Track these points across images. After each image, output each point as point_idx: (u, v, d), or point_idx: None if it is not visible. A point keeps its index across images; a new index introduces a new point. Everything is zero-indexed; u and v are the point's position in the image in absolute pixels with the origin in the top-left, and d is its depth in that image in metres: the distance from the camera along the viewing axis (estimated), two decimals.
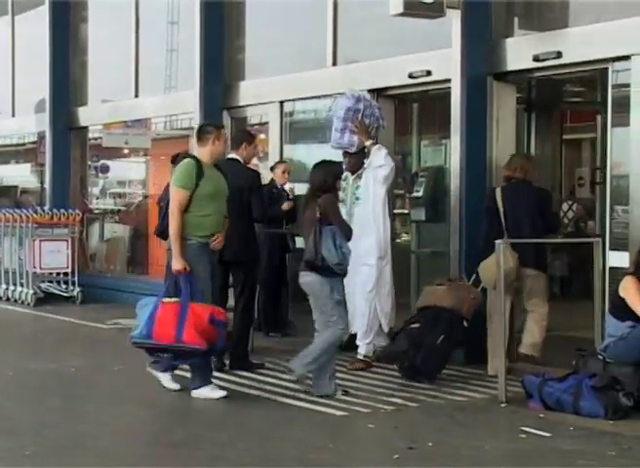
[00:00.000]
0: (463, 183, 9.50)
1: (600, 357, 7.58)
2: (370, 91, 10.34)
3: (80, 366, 9.32)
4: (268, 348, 10.05)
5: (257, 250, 9.21)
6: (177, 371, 8.76)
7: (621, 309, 7.54)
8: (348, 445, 6.62)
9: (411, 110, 11.79)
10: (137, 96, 14.90)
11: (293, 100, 12.21)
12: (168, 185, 9.84)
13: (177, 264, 7.66)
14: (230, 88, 12.88)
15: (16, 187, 18.75)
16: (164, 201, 8.27)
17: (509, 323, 8.65)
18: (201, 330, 7.49)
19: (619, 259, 8.25)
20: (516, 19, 9.87)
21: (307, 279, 7.85)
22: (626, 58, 8.43)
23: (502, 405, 7.57)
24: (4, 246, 14.92)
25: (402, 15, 9.13)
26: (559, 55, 8.93)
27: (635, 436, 6.68)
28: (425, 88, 10.42)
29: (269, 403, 7.74)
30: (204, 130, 8.11)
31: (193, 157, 7.99)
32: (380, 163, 9.06)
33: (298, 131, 12.51)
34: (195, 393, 7.84)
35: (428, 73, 10.04)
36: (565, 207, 12.88)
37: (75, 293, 14.33)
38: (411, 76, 10.19)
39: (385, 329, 9.20)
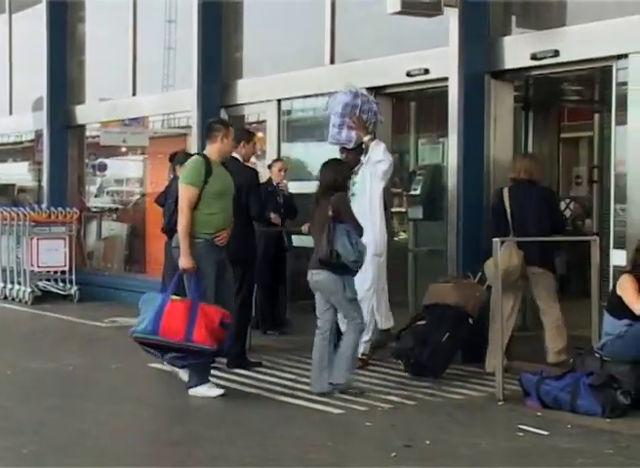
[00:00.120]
0: (461, 182, 9.50)
1: (597, 355, 7.59)
2: (368, 89, 10.32)
3: (78, 364, 9.32)
4: (266, 346, 10.06)
5: (254, 248, 9.21)
6: (173, 369, 8.79)
7: (618, 307, 7.55)
8: (346, 443, 6.62)
9: (408, 108, 11.80)
10: (134, 94, 14.89)
11: (290, 99, 12.21)
12: (168, 185, 9.92)
13: (185, 262, 7.66)
14: (228, 86, 12.88)
15: (13, 185, 18.75)
16: (172, 198, 8.21)
17: (513, 321, 8.69)
18: (211, 330, 7.50)
19: (621, 258, 8.26)
20: (514, 18, 9.88)
21: (319, 277, 7.86)
22: (624, 56, 8.44)
23: (500, 403, 7.59)
24: (1, 244, 14.91)
25: (400, 13, 9.14)
26: (557, 53, 8.94)
27: (633, 434, 6.69)
28: (423, 86, 10.43)
29: (267, 401, 7.75)
30: (213, 127, 8.11)
31: (202, 155, 7.98)
32: (378, 158, 9.03)
33: (295, 129, 12.52)
34: (192, 391, 7.85)
35: (426, 71, 10.05)
36: (562, 205, 12.89)
37: (73, 292, 14.33)
38: (408, 74, 10.20)
39: (383, 326, 9.17)
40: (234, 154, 9.20)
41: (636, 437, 6.64)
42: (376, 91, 10.58)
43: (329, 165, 8.22)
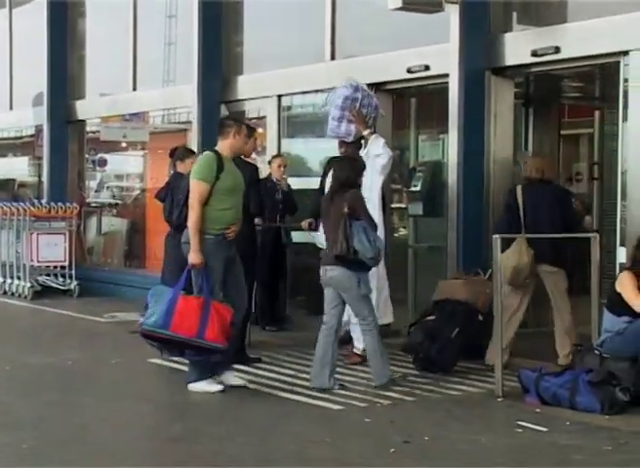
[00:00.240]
0: (461, 178, 9.52)
1: (597, 352, 7.59)
2: (368, 85, 10.32)
3: (78, 359, 9.33)
4: (265, 342, 10.06)
5: (255, 243, 9.21)
6: (174, 365, 8.80)
7: (618, 304, 7.55)
8: (345, 439, 6.63)
9: (409, 105, 11.79)
10: (135, 89, 14.90)
11: (291, 95, 12.21)
12: (169, 180, 9.91)
13: (194, 258, 7.64)
14: (228, 82, 12.88)
15: (13, 180, 18.75)
16: (182, 193, 8.18)
17: (519, 318, 8.69)
18: (223, 329, 7.52)
19: None
20: (514, 14, 9.89)
21: (334, 273, 7.89)
22: (625, 53, 8.44)
23: (499, 399, 7.59)
24: (1, 239, 14.91)
25: (400, 9, 9.14)
26: (557, 50, 8.95)
27: (631, 431, 6.70)
28: (424, 82, 10.43)
29: (267, 397, 7.75)
30: (225, 124, 8.11)
31: (214, 150, 7.97)
32: (377, 152, 8.99)
33: (295, 125, 12.52)
34: (192, 386, 7.85)
35: (427, 68, 10.06)
36: None
37: (72, 287, 14.34)
38: (409, 71, 10.21)
39: (383, 321, 9.12)
40: None
41: (635, 433, 6.64)
42: (376, 87, 10.57)
43: (342, 162, 8.24)
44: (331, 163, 9.42)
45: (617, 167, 8.86)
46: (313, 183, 10.22)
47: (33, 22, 16.51)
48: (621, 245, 8.57)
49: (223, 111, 12.89)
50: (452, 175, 9.62)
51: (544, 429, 6.71)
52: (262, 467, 6.00)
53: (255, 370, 8.63)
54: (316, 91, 11.56)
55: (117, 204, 16.40)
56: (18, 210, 14.51)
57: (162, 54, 14.51)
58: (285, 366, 8.85)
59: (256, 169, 9.40)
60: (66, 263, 14.40)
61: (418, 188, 10.70)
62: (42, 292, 14.19)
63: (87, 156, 16.49)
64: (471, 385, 8.13)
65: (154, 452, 6.34)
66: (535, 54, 9.12)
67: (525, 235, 8.53)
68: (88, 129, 16.35)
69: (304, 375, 8.31)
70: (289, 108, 12.40)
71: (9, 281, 14.60)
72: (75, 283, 14.34)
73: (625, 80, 8.63)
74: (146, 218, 15.01)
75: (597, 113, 12.40)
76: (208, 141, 12.57)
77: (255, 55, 12.87)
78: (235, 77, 12.85)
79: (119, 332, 11.03)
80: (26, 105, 17.29)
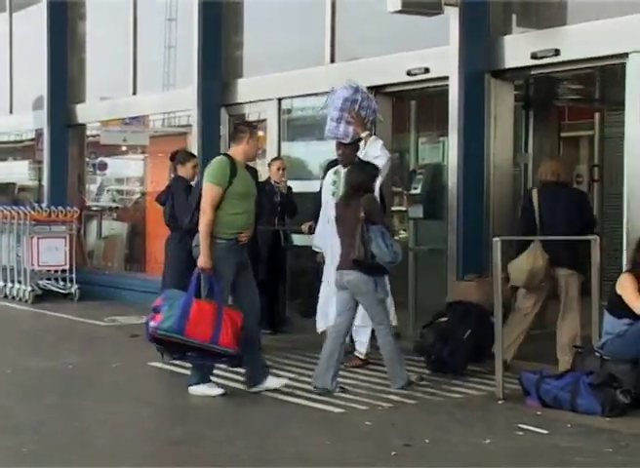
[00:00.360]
0: (461, 180, 9.52)
1: (597, 354, 7.58)
2: (368, 88, 10.31)
3: (78, 363, 9.33)
4: (265, 345, 10.00)
5: (255, 246, 9.20)
6: (175, 368, 8.80)
7: (618, 306, 7.55)
8: (346, 442, 6.62)
9: (409, 107, 11.79)
10: (135, 93, 14.90)
11: (291, 98, 12.21)
12: (169, 183, 9.91)
13: (204, 262, 7.62)
14: (228, 85, 12.88)
15: (14, 184, 18.76)
16: (194, 199, 8.15)
17: (529, 320, 8.68)
18: (236, 334, 7.53)
19: None
20: (514, 17, 9.89)
21: (351, 277, 7.92)
22: (624, 55, 8.44)
23: (500, 402, 7.58)
24: (2, 243, 14.93)
25: (400, 12, 9.14)
26: (557, 52, 8.94)
27: (632, 433, 6.69)
28: (423, 85, 10.43)
29: (267, 400, 7.75)
30: (239, 129, 8.13)
31: (227, 155, 7.98)
32: (376, 153, 8.96)
33: (296, 128, 12.52)
34: (192, 389, 7.85)
35: (426, 70, 10.05)
36: None
37: (73, 291, 14.33)
38: (409, 73, 10.20)
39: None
40: None
41: (635, 436, 6.64)
42: (376, 90, 10.57)
43: (356, 166, 8.31)
44: (330, 165, 9.44)
45: (622, 169, 8.82)
46: (314, 186, 10.22)
47: (33, 26, 16.52)
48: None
49: (224, 114, 12.89)
50: (452, 178, 9.62)
51: (545, 431, 6.71)
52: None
53: None
54: (316, 94, 11.55)
55: (117, 207, 16.40)
56: (18, 214, 14.51)
57: (162, 57, 14.51)
58: (285, 369, 8.84)
59: (255, 172, 9.41)
60: (67, 267, 14.40)
61: (418, 191, 10.69)
62: (43, 296, 14.19)
63: (87, 160, 16.50)
64: (472, 388, 8.12)
65: (154, 455, 6.33)
66: (534, 56, 9.12)
67: (527, 237, 8.53)
68: (88, 132, 16.35)
69: (304, 378, 8.31)
70: (289, 111, 12.40)
71: (10, 285, 14.61)
72: (76, 287, 14.34)
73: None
74: (147, 222, 15.00)
75: (597, 115, 12.41)
76: (208, 145, 12.62)
77: (255, 58, 12.87)
78: (235, 80, 12.85)
79: (119, 336, 11.03)
80: (27, 109, 17.30)
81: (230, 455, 6.17)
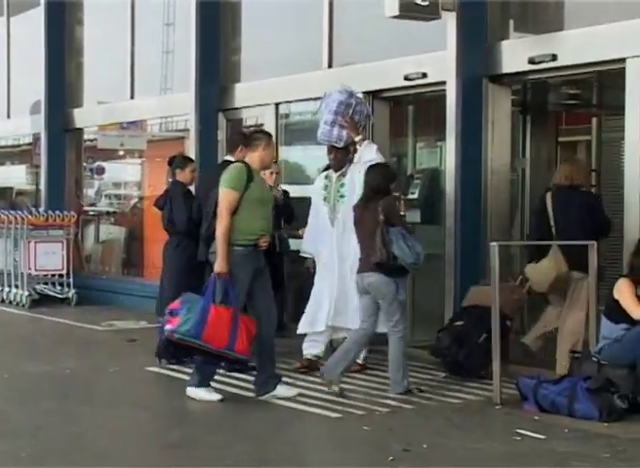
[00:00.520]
0: (458, 185, 9.52)
1: (595, 359, 7.59)
2: (365, 93, 10.34)
3: (75, 367, 9.32)
4: None
5: None
6: (172, 373, 8.80)
7: (616, 311, 7.55)
8: (344, 447, 6.62)
9: (406, 112, 11.80)
10: (132, 97, 14.90)
11: (288, 102, 12.21)
12: (167, 188, 9.91)
13: (221, 266, 7.60)
14: (226, 89, 12.88)
15: (11, 189, 18.73)
16: (210, 206, 8.15)
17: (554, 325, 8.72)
18: (249, 341, 7.57)
19: None
20: (512, 22, 9.89)
21: (372, 279, 8.00)
22: (621, 60, 8.45)
23: (497, 407, 7.59)
24: None
25: (398, 17, 9.14)
26: (554, 57, 8.95)
27: (629, 438, 6.70)
28: (421, 90, 10.43)
29: (265, 405, 7.75)
30: (254, 136, 8.15)
31: (243, 162, 7.99)
32: (371, 157, 8.93)
33: (293, 133, 12.52)
34: (191, 391, 7.83)
35: (424, 75, 10.06)
36: None
37: (70, 295, 14.32)
38: (406, 78, 10.20)
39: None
40: (231, 159, 9.23)
41: (633, 441, 6.64)
42: (373, 94, 10.59)
43: (374, 168, 8.35)
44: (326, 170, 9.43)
45: (620, 174, 8.81)
46: (311, 191, 10.21)
47: (31, 30, 16.52)
48: None
49: (221, 119, 12.89)
50: (449, 183, 9.63)
51: (543, 436, 6.72)
52: None
53: (252, 378, 8.61)
54: (314, 98, 11.55)
55: (115, 212, 16.41)
56: (15, 218, 14.49)
57: (160, 61, 14.51)
58: (283, 374, 8.83)
59: None
60: (64, 272, 14.39)
61: (415, 196, 10.71)
62: (40, 301, 14.17)
63: (84, 164, 16.48)
64: (470, 393, 8.13)
65: (152, 460, 6.33)
66: (532, 61, 9.13)
67: (523, 242, 8.55)
68: (85, 137, 16.33)
69: (302, 383, 8.31)
70: (286, 116, 12.40)
71: (7, 289, 14.58)
72: (73, 291, 14.32)
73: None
74: (144, 226, 14.99)
75: (594, 120, 12.42)
76: (205, 149, 12.62)
77: (252, 62, 12.87)
78: (233, 85, 12.86)
79: (117, 341, 11.03)
80: (24, 113, 17.29)
81: (228, 461, 6.17)
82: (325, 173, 9.32)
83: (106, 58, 15.58)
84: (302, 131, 12.48)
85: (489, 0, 9.66)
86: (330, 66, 11.42)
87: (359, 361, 8.98)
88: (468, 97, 9.53)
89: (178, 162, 9.83)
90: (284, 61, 12.06)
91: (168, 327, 7.53)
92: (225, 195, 7.75)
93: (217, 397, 7.79)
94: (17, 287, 14.41)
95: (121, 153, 16.01)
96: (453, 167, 9.57)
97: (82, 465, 6.09)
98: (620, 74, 8.52)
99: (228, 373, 8.58)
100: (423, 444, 6.53)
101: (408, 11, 9.07)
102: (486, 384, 8.14)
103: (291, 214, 10.96)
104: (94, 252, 16.33)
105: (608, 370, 7.43)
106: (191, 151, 12.60)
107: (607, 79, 10.58)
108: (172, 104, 13.98)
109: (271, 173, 10.97)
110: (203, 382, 7.85)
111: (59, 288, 14.44)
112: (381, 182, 8.16)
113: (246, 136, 9.65)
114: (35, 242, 14.28)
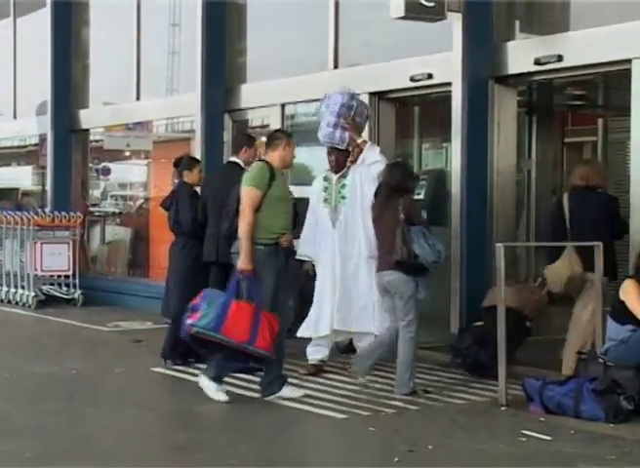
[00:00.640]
0: (464, 186, 9.52)
1: (601, 360, 7.58)
2: (371, 94, 10.35)
3: (81, 368, 9.33)
4: None
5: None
6: (178, 374, 8.81)
7: (622, 313, 7.53)
8: (349, 448, 6.62)
9: (412, 113, 11.81)
10: (138, 98, 14.91)
11: (294, 103, 12.21)
12: (173, 189, 9.92)
13: (245, 263, 7.61)
14: (232, 90, 12.89)
15: (17, 190, 18.76)
16: (230, 205, 8.18)
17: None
18: (272, 337, 7.55)
19: None
20: (517, 23, 9.89)
21: (391, 277, 8.03)
22: (627, 61, 8.44)
23: (503, 408, 7.58)
24: (5, 248, 14.94)
25: (403, 18, 9.14)
26: (560, 58, 8.95)
27: (636, 439, 6.68)
28: (427, 91, 10.44)
29: (270, 406, 7.74)
30: (275, 136, 8.18)
31: (264, 161, 8.00)
32: (375, 159, 8.92)
33: (299, 133, 12.49)
34: (203, 381, 7.79)
35: (430, 76, 10.05)
36: None
37: (76, 296, 14.34)
38: (412, 79, 10.20)
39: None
40: (236, 160, 9.25)
41: (639, 442, 6.63)
42: (379, 95, 10.59)
43: (394, 167, 8.39)
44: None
45: (626, 175, 8.80)
46: (309, 193, 10.20)
47: (37, 31, 16.54)
48: None
49: (227, 120, 12.90)
50: (455, 184, 9.63)
51: (549, 438, 6.71)
52: None
53: (258, 379, 8.61)
54: (319, 99, 11.54)
55: (121, 213, 16.42)
56: (21, 219, 14.52)
57: (166, 62, 14.52)
58: (287, 374, 8.83)
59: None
60: (70, 272, 14.42)
61: (421, 197, 10.70)
62: (46, 302, 14.19)
63: (91, 165, 16.50)
64: (475, 394, 8.12)
65: (157, 461, 6.32)
66: (537, 62, 9.12)
67: (529, 243, 8.54)
68: (91, 138, 16.35)
69: (307, 384, 8.31)
70: (292, 117, 12.40)
71: (13, 290, 14.60)
72: (79, 292, 14.35)
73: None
74: (150, 227, 15.01)
75: (600, 121, 12.41)
76: (211, 150, 12.63)
77: (258, 63, 12.88)
78: (239, 86, 12.86)
79: (123, 342, 11.04)
80: (30, 114, 17.32)
81: (233, 462, 6.17)
82: (324, 174, 9.30)
83: (112, 59, 15.61)
84: (308, 131, 12.46)
85: (494, 1, 9.66)
86: (336, 67, 11.43)
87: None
88: (474, 97, 9.52)
89: (185, 163, 9.83)
90: (290, 62, 12.07)
91: (188, 321, 7.55)
92: (248, 193, 7.79)
93: (223, 398, 7.76)
94: (23, 287, 14.43)
95: (127, 154, 16.03)
96: (458, 168, 9.56)
97: (87, 466, 6.09)
98: (626, 75, 8.51)
99: (234, 374, 8.59)
100: (429, 445, 6.53)
101: (413, 12, 9.07)
102: (491, 385, 8.13)
103: (295, 218, 10.95)
104: (99, 252, 16.35)
105: (614, 371, 7.42)
106: (197, 152, 12.60)
107: (612, 80, 10.57)
108: (178, 105, 13.99)
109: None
110: (217, 378, 7.81)
111: (65, 288, 14.46)
112: (401, 181, 8.16)
113: (250, 137, 9.72)
114: (41, 243, 14.30)
